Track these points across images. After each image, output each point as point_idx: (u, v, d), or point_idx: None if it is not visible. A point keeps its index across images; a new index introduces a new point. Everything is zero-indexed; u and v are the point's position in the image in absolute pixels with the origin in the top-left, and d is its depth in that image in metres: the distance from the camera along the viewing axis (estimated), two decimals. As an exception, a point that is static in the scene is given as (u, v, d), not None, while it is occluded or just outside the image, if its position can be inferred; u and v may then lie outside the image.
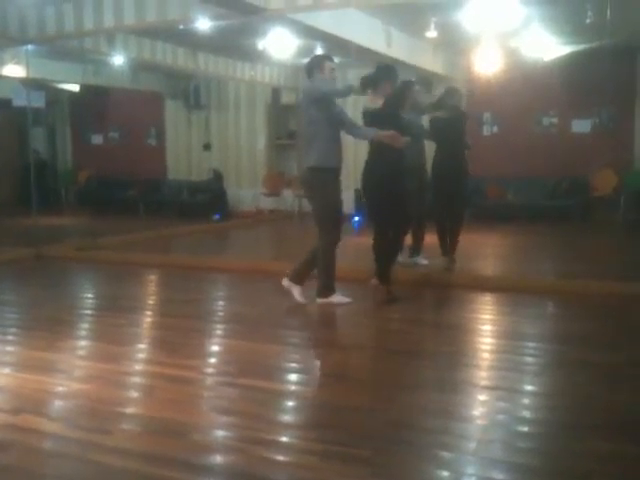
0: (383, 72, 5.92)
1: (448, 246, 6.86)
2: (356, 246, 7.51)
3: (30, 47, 8.65)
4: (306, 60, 5.80)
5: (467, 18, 7.06)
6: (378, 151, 5.65)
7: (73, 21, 7.74)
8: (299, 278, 5.71)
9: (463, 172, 6.92)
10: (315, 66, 5.59)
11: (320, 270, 5.59)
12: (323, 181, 5.51)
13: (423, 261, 7.11)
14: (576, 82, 11.12)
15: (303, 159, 5.74)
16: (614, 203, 11.10)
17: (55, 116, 15.67)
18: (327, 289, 5.60)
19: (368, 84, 5.69)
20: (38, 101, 9.67)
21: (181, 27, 7.97)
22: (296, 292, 5.67)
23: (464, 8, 6.93)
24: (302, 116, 5.84)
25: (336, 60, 5.74)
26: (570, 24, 8.45)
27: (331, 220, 5.53)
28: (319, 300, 5.62)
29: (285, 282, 5.73)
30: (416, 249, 7.06)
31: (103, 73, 11.53)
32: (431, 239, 7.10)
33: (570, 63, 10.35)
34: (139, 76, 12.67)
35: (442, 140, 6.85)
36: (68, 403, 3.56)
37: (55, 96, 13.94)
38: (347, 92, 5.63)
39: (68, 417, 3.37)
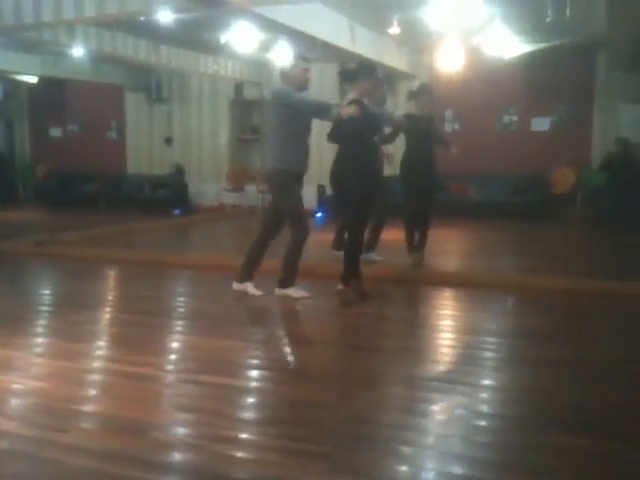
0: (364, 70, 5.87)
1: (417, 243, 6.89)
2: (319, 242, 7.51)
3: (-13, 38, 8.47)
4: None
5: (430, 15, 7.11)
6: (353, 149, 5.70)
7: (32, 12, 7.58)
8: (247, 275, 5.83)
9: (434, 171, 6.94)
10: (288, 69, 5.57)
11: (287, 262, 5.65)
12: (286, 183, 5.54)
13: (377, 258, 7.11)
14: (536, 80, 11.29)
15: (269, 159, 5.78)
16: (572, 200, 11.30)
17: (13, 108, 15.35)
18: (289, 282, 5.67)
19: (347, 78, 5.74)
20: (-5, 93, 9.48)
21: (142, 19, 7.87)
22: (250, 288, 5.80)
23: (427, 5, 6.98)
24: (269, 117, 5.85)
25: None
26: (530, 22, 8.56)
27: (301, 215, 5.64)
28: (278, 291, 5.68)
29: (236, 286, 5.85)
30: (371, 245, 7.03)
31: (63, 65, 11.33)
32: (387, 236, 7.23)
33: (530, 61, 10.50)
34: (100, 68, 12.46)
35: (413, 139, 6.85)
36: (25, 401, 3.50)
37: (13, 88, 13.66)
38: (326, 110, 5.44)
39: (25, 415, 3.30)
